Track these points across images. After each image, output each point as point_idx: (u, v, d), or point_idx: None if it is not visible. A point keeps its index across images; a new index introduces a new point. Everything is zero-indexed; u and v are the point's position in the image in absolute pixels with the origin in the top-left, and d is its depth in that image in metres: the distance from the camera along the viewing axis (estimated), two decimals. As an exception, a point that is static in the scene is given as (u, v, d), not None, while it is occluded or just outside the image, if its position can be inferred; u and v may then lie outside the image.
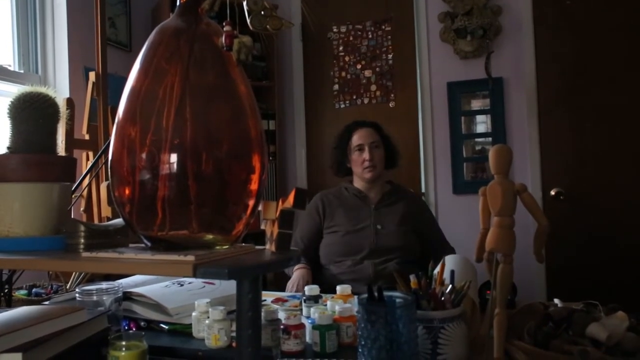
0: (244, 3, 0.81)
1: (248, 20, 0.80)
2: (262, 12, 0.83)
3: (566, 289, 2.67)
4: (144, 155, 0.74)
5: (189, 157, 0.74)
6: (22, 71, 2.34)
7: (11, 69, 2.30)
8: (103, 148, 1.83)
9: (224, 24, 0.76)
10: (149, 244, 0.79)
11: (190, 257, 0.68)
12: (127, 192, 0.77)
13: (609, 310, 0.79)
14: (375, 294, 0.78)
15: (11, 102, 0.88)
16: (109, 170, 0.79)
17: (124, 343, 0.84)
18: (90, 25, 2.24)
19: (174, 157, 0.74)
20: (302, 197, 0.74)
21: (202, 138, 0.76)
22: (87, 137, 2.24)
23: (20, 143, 0.88)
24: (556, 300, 0.94)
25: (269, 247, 0.79)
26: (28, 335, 0.78)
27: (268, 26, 0.84)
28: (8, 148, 0.88)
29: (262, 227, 0.83)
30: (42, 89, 0.91)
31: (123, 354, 0.83)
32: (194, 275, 0.67)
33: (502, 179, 0.73)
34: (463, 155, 2.91)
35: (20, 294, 1.47)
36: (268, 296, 1.45)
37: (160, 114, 0.75)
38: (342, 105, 3.17)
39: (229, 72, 0.81)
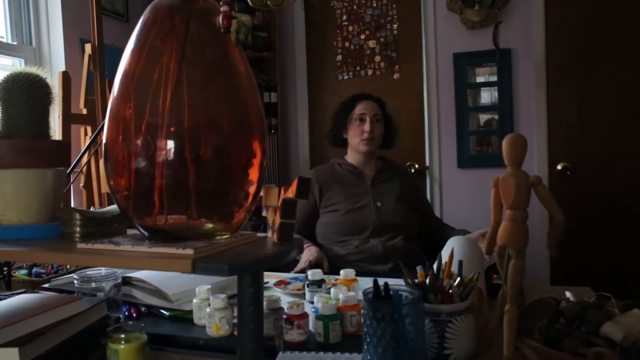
0: (244, -22, 0.76)
1: (248, -3, 0.76)
2: (263, -13, 0.78)
3: (572, 268, 2.65)
4: (139, 142, 0.71)
5: (187, 141, 0.71)
6: (15, 43, 2.28)
7: (4, 40, 2.23)
8: (101, 125, 1.78)
9: (220, 3, 0.71)
10: (146, 233, 0.76)
11: (189, 251, 0.65)
12: (122, 181, 0.74)
13: (624, 307, 0.77)
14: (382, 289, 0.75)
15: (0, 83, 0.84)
16: (104, 158, 0.76)
17: (122, 335, 0.82)
18: (85, -6, 2.16)
19: (170, 143, 0.70)
20: (304, 187, 0.71)
21: (200, 122, 0.72)
22: (84, 111, 2.19)
23: (10, 127, 0.84)
24: (568, 294, 0.91)
25: (271, 236, 0.76)
26: (25, 328, 0.76)
27: (269, 2, 0.79)
28: (-2, 133, 0.84)
29: (264, 214, 0.81)
30: (32, 69, 0.87)
31: (122, 347, 0.81)
32: (193, 271, 0.64)
33: (515, 170, 0.69)
34: (468, 129, 2.85)
35: (21, 274, 1.46)
36: (270, 277, 1.43)
37: (156, 97, 0.71)
38: (345, 77, 3.10)
39: (227, 51, 0.76)
